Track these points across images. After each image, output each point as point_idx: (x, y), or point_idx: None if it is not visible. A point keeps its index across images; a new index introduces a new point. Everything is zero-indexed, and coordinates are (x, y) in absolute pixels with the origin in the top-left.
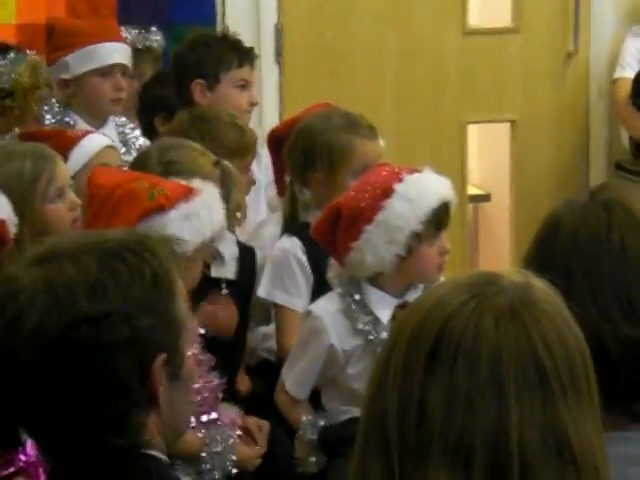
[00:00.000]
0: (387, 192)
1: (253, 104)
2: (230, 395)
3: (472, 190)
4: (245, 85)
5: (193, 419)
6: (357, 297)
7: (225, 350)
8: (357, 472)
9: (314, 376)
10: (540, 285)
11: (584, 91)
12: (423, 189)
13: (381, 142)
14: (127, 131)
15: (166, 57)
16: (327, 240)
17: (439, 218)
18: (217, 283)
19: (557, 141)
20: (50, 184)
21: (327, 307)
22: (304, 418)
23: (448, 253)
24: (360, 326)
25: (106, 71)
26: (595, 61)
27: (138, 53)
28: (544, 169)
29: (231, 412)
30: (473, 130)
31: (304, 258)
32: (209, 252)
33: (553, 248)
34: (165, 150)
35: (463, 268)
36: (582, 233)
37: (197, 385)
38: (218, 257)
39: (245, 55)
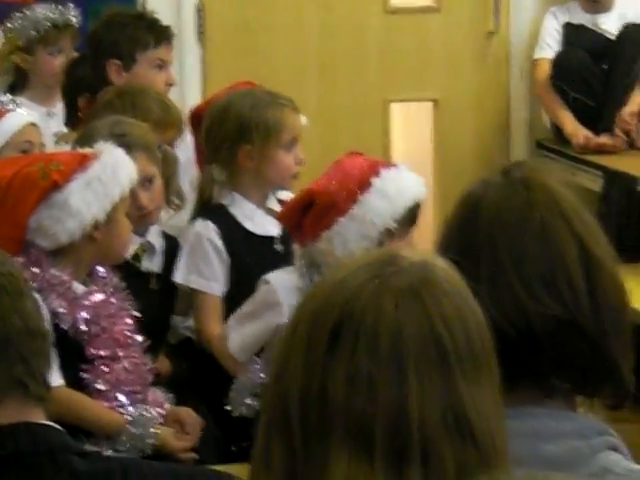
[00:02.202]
0: (364, 185)
1: (170, 84)
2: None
3: None
4: (162, 65)
5: (122, 397)
6: (316, 278)
7: (150, 334)
8: (260, 451)
9: (258, 345)
10: (440, 264)
11: (505, 70)
12: (401, 186)
13: (304, 119)
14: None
15: (84, 34)
16: (293, 224)
17: (413, 216)
18: (146, 277)
19: (479, 120)
20: None
21: (285, 282)
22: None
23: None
24: None
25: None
26: (516, 41)
27: (56, 30)
28: (466, 148)
29: (158, 395)
30: (396, 109)
31: (219, 242)
32: (127, 206)
33: (475, 229)
34: (115, 124)
35: None
36: (504, 213)
37: (129, 365)
38: (149, 249)
39: (162, 34)
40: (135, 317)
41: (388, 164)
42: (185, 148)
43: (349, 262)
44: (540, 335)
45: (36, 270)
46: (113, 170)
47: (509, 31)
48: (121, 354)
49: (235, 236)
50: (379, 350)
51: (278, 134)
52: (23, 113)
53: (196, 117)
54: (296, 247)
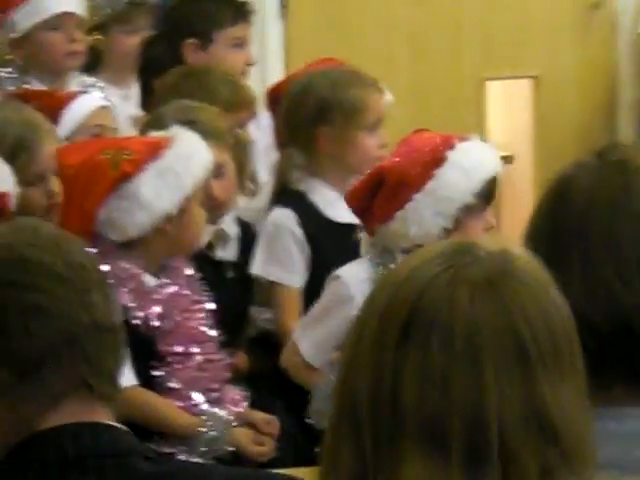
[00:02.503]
0: (439, 160)
1: (250, 64)
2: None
3: None
4: (241, 44)
5: (198, 395)
6: (392, 266)
7: (227, 327)
8: (328, 452)
9: (333, 345)
10: (520, 254)
11: (610, 45)
12: (477, 159)
13: (389, 98)
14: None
15: (161, 12)
16: (362, 207)
17: (490, 191)
18: (222, 266)
19: (582, 99)
20: (28, 167)
21: (357, 274)
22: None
23: (492, 229)
24: None
25: (55, 23)
26: (622, 13)
27: (132, 7)
28: (568, 130)
29: (235, 393)
30: (493, 88)
31: (299, 231)
32: (201, 197)
33: (566, 215)
34: (182, 110)
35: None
36: (598, 197)
37: (203, 361)
38: (224, 237)
39: (240, 11)
40: (210, 310)
41: (461, 137)
42: (263, 130)
43: (421, 252)
44: (637, 330)
45: (105, 263)
46: (187, 159)
47: (615, 2)
48: (195, 350)
49: (315, 225)
50: (454, 345)
51: (360, 115)
52: (94, 96)
53: (274, 97)
54: (365, 235)
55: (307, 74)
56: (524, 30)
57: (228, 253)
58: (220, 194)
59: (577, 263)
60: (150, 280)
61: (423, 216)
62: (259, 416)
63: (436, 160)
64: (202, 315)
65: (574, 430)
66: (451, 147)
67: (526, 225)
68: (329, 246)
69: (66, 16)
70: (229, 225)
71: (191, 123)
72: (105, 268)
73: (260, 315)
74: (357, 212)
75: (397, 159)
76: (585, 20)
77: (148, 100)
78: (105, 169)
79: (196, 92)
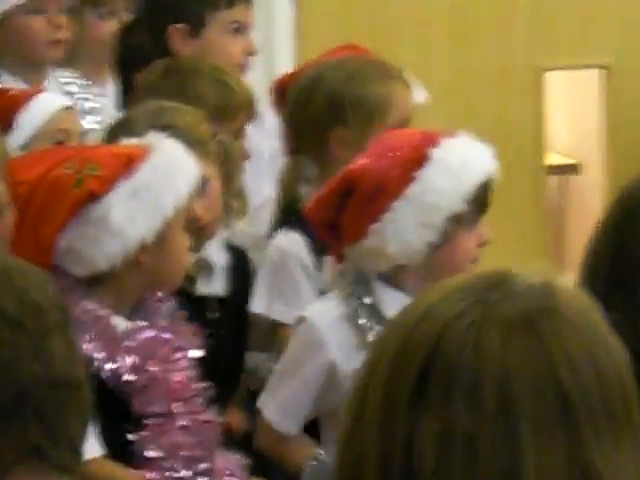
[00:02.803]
0: (420, 159)
1: (251, 54)
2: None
3: (556, 159)
4: (239, 29)
5: (181, 466)
6: (367, 300)
7: (215, 379)
8: None
9: (307, 404)
10: (565, 287)
11: None
12: (466, 158)
13: (421, 95)
14: (75, 89)
15: None
16: (326, 223)
17: (484, 197)
18: (205, 304)
19: None
20: None
21: (327, 313)
22: (316, 451)
23: (486, 244)
24: (371, 339)
25: (35, 6)
26: None
27: None
28: None
29: (230, 461)
30: (554, 80)
31: (309, 259)
32: (184, 220)
33: (634, 237)
34: (156, 114)
35: (543, 260)
36: None
37: (189, 423)
38: (206, 267)
39: None
40: (198, 358)
41: (447, 133)
42: (268, 134)
43: (442, 285)
44: None
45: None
46: (167, 175)
47: None
48: (178, 409)
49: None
50: (481, 400)
51: (382, 114)
52: (56, 95)
53: (281, 93)
54: (332, 262)
55: (318, 65)
56: (591, 10)
57: (213, 288)
58: (203, 214)
59: None
60: (121, 323)
61: (404, 228)
62: None
63: (417, 159)
64: (186, 365)
65: None
66: (434, 144)
67: (585, 249)
68: None
69: None
70: (215, 252)
71: (166, 128)
72: None
73: (262, 363)
74: (321, 230)
75: (369, 161)
76: None
77: (128, 99)
78: (67, 187)
79: (178, 95)
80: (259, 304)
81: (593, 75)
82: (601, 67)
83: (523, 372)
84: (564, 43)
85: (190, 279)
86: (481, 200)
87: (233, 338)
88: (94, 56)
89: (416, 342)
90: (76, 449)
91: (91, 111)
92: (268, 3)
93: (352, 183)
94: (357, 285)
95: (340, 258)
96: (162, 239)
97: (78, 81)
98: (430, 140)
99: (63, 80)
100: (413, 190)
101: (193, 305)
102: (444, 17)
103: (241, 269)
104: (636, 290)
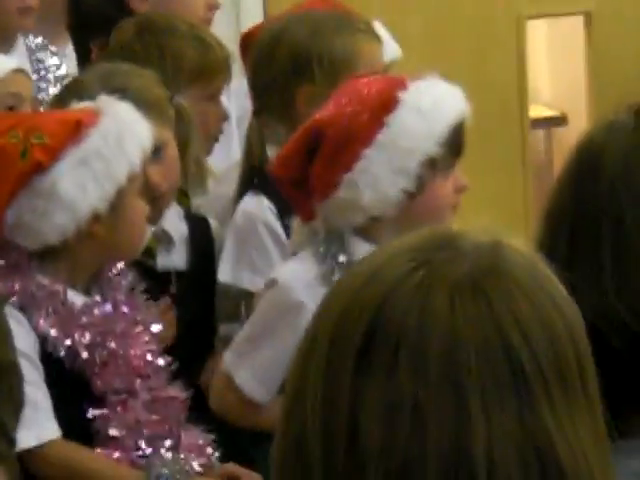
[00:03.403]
0: (390, 103)
1: (214, 7)
2: (195, 414)
3: (542, 111)
4: None
5: (145, 444)
6: (342, 258)
7: (180, 353)
8: None
9: (283, 371)
10: (515, 246)
11: None
12: (438, 99)
13: (393, 47)
14: (43, 57)
15: None
16: (293, 180)
17: (458, 139)
18: (167, 278)
19: None
20: None
21: (301, 275)
22: None
23: (466, 190)
24: None
25: None
26: None
27: None
28: (630, 76)
29: (197, 437)
30: (535, 28)
31: (277, 224)
32: (141, 184)
33: (593, 190)
34: (108, 76)
35: (527, 218)
36: (635, 166)
37: (151, 399)
38: (165, 240)
39: None
40: (158, 332)
41: (414, 76)
42: (236, 95)
43: (386, 246)
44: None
45: (16, 279)
46: (118, 139)
47: None
48: (140, 386)
49: None
50: (428, 366)
51: (349, 69)
52: (4, 57)
53: (246, 49)
54: (298, 222)
55: (281, 19)
56: None
57: (173, 260)
58: (160, 181)
59: (607, 252)
60: (76, 299)
61: (377, 176)
62: (239, 471)
63: (386, 103)
64: (146, 339)
65: (588, 471)
66: (403, 87)
67: (544, 206)
68: None
69: None
70: (174, 223)
71: (119, 91)
72: (14, 282)
73: (235, 333)
74: (288, 188)
75: (334, 109)
76: None
77: (87, 62)
78: (12, 158)
79: (155, 56)
80: (226, 272)
81: (576, 22)
82: (583, 13)
83: (470, 336)
84: None
85: (149, 252)
86: (455, 143)
87: (199, 311)
88: (50, 18)
89: (360, 307)
90: (9, 435)
91: (63, 79)
92: None
93: (318, 134)
94: (330, 243)
95: (309, 216)
96: (116, 208)
97: (52, 47)
98: (397, 83)
99: (33, 46)
100: (384, 136)
101: (153, 279)
102: None
103: (203, 239)
104: (597, 248)
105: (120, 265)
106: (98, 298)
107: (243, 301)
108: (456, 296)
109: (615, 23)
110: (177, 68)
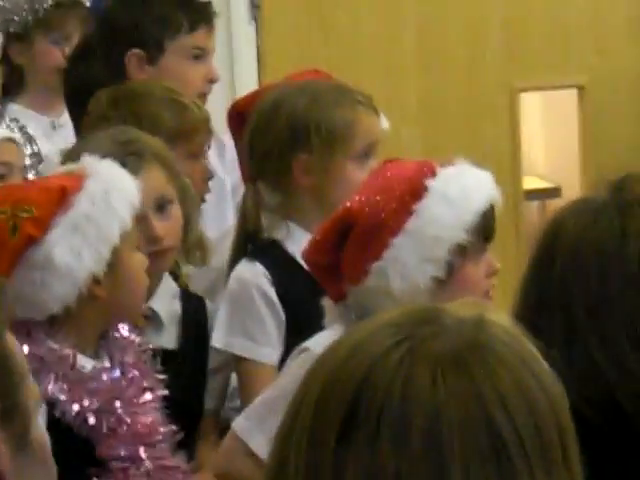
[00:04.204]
0: (418, 191)
1: (212, 80)
2: None
3: (536, 183)
4: (200, 55)
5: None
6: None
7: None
8: None
9: None
10: (499, 322)
11: None
12: (466, 186)
13: (383, 122)
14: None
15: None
16: (327, 264)
17: (488, 225)
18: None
19: None
20: None
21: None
22: None
23: (496, 274)
24: None
25: None
26: None
27: (60, 9)
28: (625, 149)
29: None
30: (530, 102)
31: (272, 290)
32: (136, 239)
33: (550, 266)
34: (119, 132)
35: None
36: (585, 243)
37: (154, 468)
38: (153, 319)
39: (199, 13)
40: (164, 397)
41: (444, 162)
42: (231, 163)
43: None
44: (632, 416)
45: (28, 346)
46: (105, 199)
47: None
48: (144, 454)
49: (292, 283)
50: (410, 441)
51: (347, 140)
52: None
53: (236, 115)
54: (329, 303)
55: (278, 89)
56: (566, 28)
57: (162, 339)
58: (163, 235)
59: (559, 334)
60: (86, 362)
61: (406, 265)
62: None
63: (415, 192)
64: (153, 406)
65: None
66: (432, 174)
67: (520, 282)
68: (310, 311)
69: None
70: (167, 302)
71: (129, 143)
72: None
73: (227, 404)
74: (321, 272)
75: (365, 197)
76: None
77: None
78: (2, 235)
79: (131, 122)
80: (219, 338)
81: (570, 95)
82: (576, 87)
83: (453, 412)
84: (539, 63)
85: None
86: (485, 228)
87: (187, 392)
88: (47, 86)
89: (343, 380)
90: None
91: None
92: (228, 25)
93: (349, 221)
94: (362, 317)
95: (339, 297)
96: (113, 267)
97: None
98: (427, 170)
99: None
100: (412, 224)
101: None
102: (412, 38)
103: (196, 319)
104: (551, 321)
105: (127, 327)
106: (107, 362)
107: (234, 368)
108: (439, 371)
109: (608, 96)
110: (155, 132)
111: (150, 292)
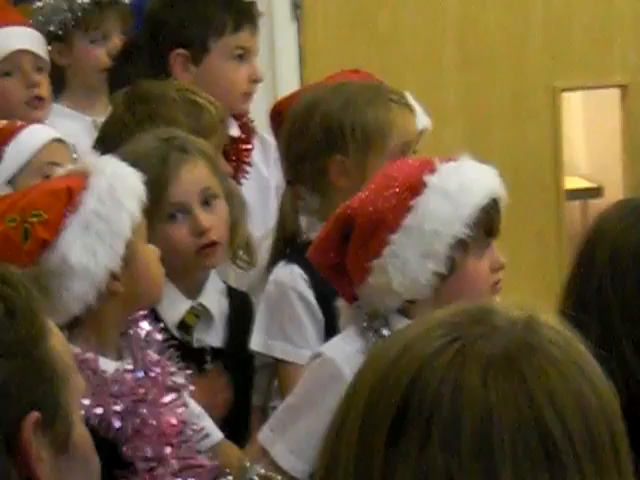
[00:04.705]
0: (416, 187)
1: (255, 80)
2: None
3: (578, 183)
4: (244, 55)
5: None
6: (385, 332)
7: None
8: None
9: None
10: (550, 322)
11: None
12: (465, 180)
13: (424, 120)
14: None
15: (140, 14)
16: (332, 266)
17: (490, 219)
18: (200, 355)
19: None
20: None
21: (344, 347)
22: None
23: (503, 268)
24: None
25: (8, 66)
26: None
27: (99, 9)
28: None
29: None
30: (572, 101)
31: (310, 293)
32: (145, 231)
33: (591, 267)
34: (162, 130)
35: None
36: (623, 249)
37: (181, 468)
38: (204, 316)
39: (243, 14)
40: (190, 393)
41: (446, 158)
42: (275, 164)
43: (421, 320)
44: None
45: None
46: (112, 194)
47: None
48: (170, 454)
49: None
50: (460, 442)
51: (382, 140)
52: (46, 127)
53: (278, 118)
54: (343, 304)
55: (313, 91)
56: (608, 27)
57: (212, 337)
58: (210, 227)
59: (595, 334)
60: (108, 365)
61: (406, 261)
62: None
63: (413, 187)
64: (178, 404)
65: None
66: (431, 170)
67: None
68: None
69: (20, 55)
70: (213, 298)
71: (173, 139)
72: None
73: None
74: (328, 273)
75: (365, 195)
76: None
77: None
78: (15, 243)
79: (146, 124)
80: (258, 341)
81: (613, 95)
82: (619, 86)
83: (504, 413)
84: (580, 63)
85: (184, 326)
86: (487, 223)
87: (235, 390)
88: (88, 85)
89: (393, 381)
90: None
91: None
92: (270, 26)
93: (350, 220)
94: (374, 319)
95: (351, 298)
96: (128, 261)
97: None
98: (426, 167)
99: None
100: (411, 220)
101: (189, 357)
102: (454, 38)
103: (243, 316)
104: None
105: (149, 326)
106: (129, 363)
107: (275, 370)
108: (490, 372)
109: None
110: None
111: (199, 289)
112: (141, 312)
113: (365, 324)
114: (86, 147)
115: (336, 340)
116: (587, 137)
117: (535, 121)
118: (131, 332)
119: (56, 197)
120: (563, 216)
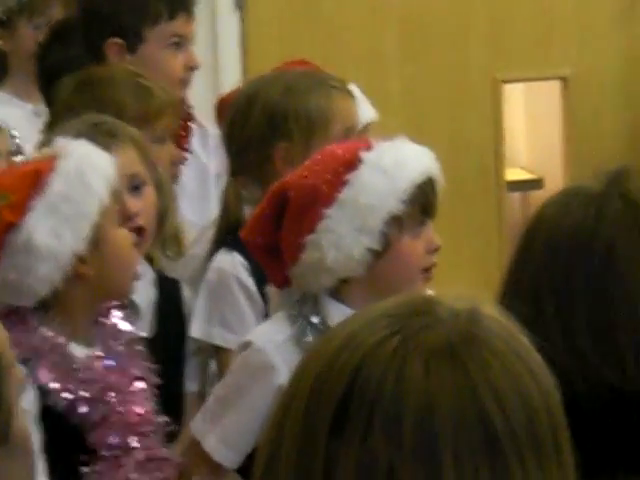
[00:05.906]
0: (352, 162)
1: (193, 67)
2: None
3: (518, 174)
4: (180, 42)
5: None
6: (315, 319)
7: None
8: None
9: (253, 433)
10: (492, 313)
11: None
12: (401, 157)
13: (368, 111)
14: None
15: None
16: (265, 245)
17: (425, 197)
18: None
19: (624, 104)
20: None
21: (273, 336)
22: None
23: (438, 250)
24: None
25: None
26: None
27: None
28: (608, 140)
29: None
30: (513, 93)
31: (250, 280)
32: (116, 214)
33: (526, 257)
34: (89, 116)
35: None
36: (557, 235)
37: (141, 458)
38: (132, 308)
39: (178, 1)
40: (155, 385)
41: (382, 138)
42: (214, 153)
43: (363, 311)
44: (587, 412)
45: (20, 334)
46: (80, 177)
47: None
48: (135, 443)
49: None
50: (402, 433)
51: (326, 125)
52: None
53: (222, 112)
54: (272, 289)
55: (254, 81)
56: (549, 19)
57: (139, 328)
58: (138, 212)
59: (550, 312)
60: (78, 351)
61: (340, 235)
62: None
63: (349, 163)
64: (145, 395)
65: None
66: (367, 148)
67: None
68: None
69: None
70: (142, 290)
71: (102, 124)
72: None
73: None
74: (260, 254)
75: (300, 171)
76: (626, 6)
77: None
78: None
79: (95, 107)
80: (197, 328)
81: (554, 87)
82: (559, 78)
83: (446, 404)
84: (521, 55)
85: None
86: (423, 201)
87: (164, 377)
88: (30, 72)
89: (335, 372)
90: None
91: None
92: (212, 14)
93: (284, 197)
94: (303, 304)
95: (282, 283)
96: (97, 244)
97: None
98: (363, 145)
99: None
100: (346, 194)
101: None
102: (396, 28)
103: (172, 303)
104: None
105: (119, 314)
106: (99, 350)
107: (214, 358)
108: (432, 363)
109: (591, 88)
110: (119, 117)
111: None
112: (114, 302)
113: (295, 311)
114: (26, 135)
115: (265, 327)
116: (528, 129)
117: (476, 113)
118: (103, 320)
119: (23, 179)
120: (504, 207)
